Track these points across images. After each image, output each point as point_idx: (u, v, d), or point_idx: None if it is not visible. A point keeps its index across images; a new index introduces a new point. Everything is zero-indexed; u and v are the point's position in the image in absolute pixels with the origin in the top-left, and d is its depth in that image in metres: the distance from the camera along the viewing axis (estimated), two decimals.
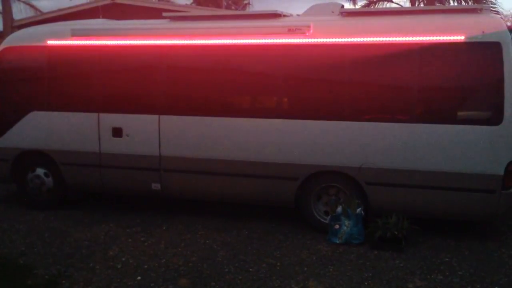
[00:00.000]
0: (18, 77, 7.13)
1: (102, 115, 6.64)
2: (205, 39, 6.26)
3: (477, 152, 5.42)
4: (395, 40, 5.63)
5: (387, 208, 5.74)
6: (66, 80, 6.87)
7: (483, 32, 5.35)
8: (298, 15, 6.86)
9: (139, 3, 15.45)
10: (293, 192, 6.12)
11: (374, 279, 4.83)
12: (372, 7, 18.40)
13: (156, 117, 6.42)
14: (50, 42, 6.82)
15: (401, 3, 19.27)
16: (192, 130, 6.34)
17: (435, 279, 4.84)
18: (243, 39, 6.09)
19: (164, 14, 6.86)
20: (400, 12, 6.42)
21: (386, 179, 5.73)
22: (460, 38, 5.41)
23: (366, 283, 4.75)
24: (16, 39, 7.28)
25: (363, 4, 19.41)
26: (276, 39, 5.96)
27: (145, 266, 5.15)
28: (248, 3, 30.88)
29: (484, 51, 5.42)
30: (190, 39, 6.30)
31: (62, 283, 4.77)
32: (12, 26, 16.69)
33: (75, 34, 6.67)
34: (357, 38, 5.73)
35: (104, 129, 6.63)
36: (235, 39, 6.11)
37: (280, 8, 6.42)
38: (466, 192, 5.52)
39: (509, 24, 16.88)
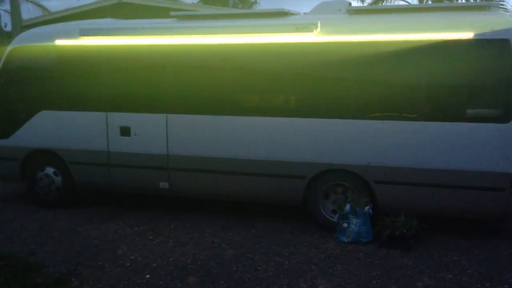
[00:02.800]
0: (27, 77, 7.18)
1: (110, 114, 6.67)
2: (212, 38, 6.27)
3: (486, 150, 5.39)
4: (402, 38, 5.60)
5: (395, 207, 5.73)
6: (74, 79, 6.90)
7: (491, 29, 5.32)
8: (305, 13, 6.84)
9: (146, 2, 15.48)
10: (300, 191, 6.11)
11: (382, 278, 4.81)
12: (379, 4, 18.31)
13: (164, 116, 6.44)
14: (59, 42, 6.87)
15: (409, 1, 19.18)
16: (200, 129, 6.35)
17: (444, 277, 4.81)
18: (250, 37, 6.09)
19: (172, 13, 6.87)
20: (407, 9, 6.39)
21: (394, 177, 5.71)
22: (468, 35, 5.38)
23: (374, 282, 4.74)
24: (24, 39, 7.32)
25: (370, 2, 19.33)
26: (284, 37, 5.96)
27: (154, 265, 5.17)
28: (255, 2, 30.82)
29: (493, 48, 5.39)
30: (197, 38, 6.31)
31: (71, 281, 4.79)
32: (21, 26, 16.78)
33: (83, 33, 6.70)
34: (364, 36, 5.72)
35: (113, 128, 6.67)
36: (242, 38, 6.12)
37: (287, 7, 6.42)
38: (475, 190, 5.49)
39: None
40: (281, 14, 6.35)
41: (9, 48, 7.25)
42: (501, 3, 16.20)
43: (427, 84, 5.63)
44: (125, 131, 6.62)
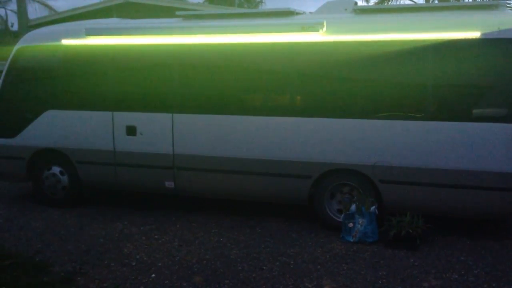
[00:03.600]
0: (34, 76, 7.21)
1: (116, 113, 6.69)
2: (218, 38, 6.28)
3: (494, 150, 5.35)
4: (408, 38, 5.58)
5: (401, 206, 5.71)
6: (80, 79, 6.92)
7: (499, 28, 5.29)
8: (311, 13, 6.84)
9: (152, 2, 15.53)
10: (306, 190, 6.11)
11: (388, 278, 4.80)
12: (385, 4, 18.26)
13: (169, 115, 6.45)
14: (65, 41, 6.89)
15: (415, 0, 19.10)
16: (206, 128, 6.36)
17: (450, 278, 4.79)
18: (256, 37, 6.09)
19: (177, 12, 6.89)
20: (413, 9, 6.37)
21: (400, 177, 5.69)
22: (475, 34, 5.35)
23: (380, 282, 4.72)
24: (31, 38, 7.35)
25: (376, 1, 19.27)
26: (290, 37, 5.95)
27: (159, 264, 5.18)
28: (261, 1, 30.84)
29: (500, 48, 5.36)
30: (203, 38, 6.32)
31: (77, 280, 4.81)
32: (28, 26, 16.88)
33: (89, 33, 6.72)
34: (370, 35, 5.71)
35: (119, 127, 6.69)
36: (248, 38, 6.12)
37: (293, 6, 6.42)
38: (482, 190, 5.45)
39: None
40: (287, 13, 6.35)
41: (15, 47, 7.29)
42: (508, 2, 16.11)
43: (434, 84, 5.60)
44: (131, 130, 6.64)
